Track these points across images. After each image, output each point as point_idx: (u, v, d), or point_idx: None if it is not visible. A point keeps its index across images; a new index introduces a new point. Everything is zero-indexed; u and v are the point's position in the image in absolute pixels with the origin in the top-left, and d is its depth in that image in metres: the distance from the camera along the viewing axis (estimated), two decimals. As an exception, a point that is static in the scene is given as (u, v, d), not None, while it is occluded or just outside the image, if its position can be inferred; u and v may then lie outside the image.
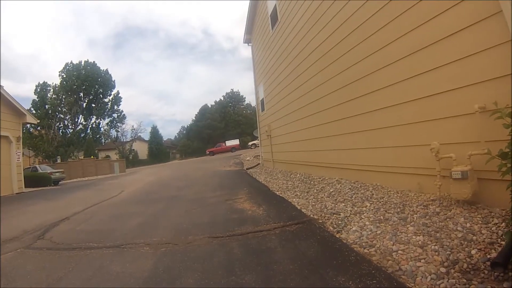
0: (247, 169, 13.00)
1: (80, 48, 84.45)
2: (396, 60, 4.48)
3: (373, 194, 4.83)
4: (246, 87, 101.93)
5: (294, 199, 5.51)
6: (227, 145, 44.11)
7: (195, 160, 36.31)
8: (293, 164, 9.45)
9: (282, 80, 9.65)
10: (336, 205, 4.66)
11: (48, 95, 44.86)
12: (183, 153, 56.61)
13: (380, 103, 4.96)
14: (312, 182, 6.91)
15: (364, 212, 4.11)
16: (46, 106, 43.55)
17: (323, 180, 6.79)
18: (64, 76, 45.58)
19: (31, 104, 43.34)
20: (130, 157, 48.15)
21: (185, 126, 64.78)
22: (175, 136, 68.96)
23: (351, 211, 4.27)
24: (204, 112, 59.99)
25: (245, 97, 65.26)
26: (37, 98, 43.83)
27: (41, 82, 44.83)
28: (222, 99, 64.34)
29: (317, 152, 7.61)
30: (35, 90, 44.28)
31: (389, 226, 3.42)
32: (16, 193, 12.54)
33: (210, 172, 13.24)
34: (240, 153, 28.29)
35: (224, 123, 58.92)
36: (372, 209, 4.14)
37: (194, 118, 61.72)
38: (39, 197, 11.10)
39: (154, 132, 55.08)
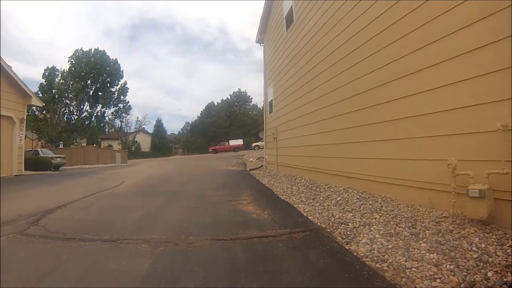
0: (250, 170, 12.80)
1: (94, 37, 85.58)
2: (415, 71, 4.33)
3: (382, 206, 4.64)
4: (255, 88, 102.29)
5: (299, 205, 5.31)
6: (230, 144, 43.82)
7: (197, 156, 36.11)
8: (297, 168, 9.26)
9: (293, 83, 9.46)
10: (344, 215, 4.46)
11: (56, 80, 44.78)
12: (186, 149, 56.49)
13: (395, 114, 4.81)
14: (317, 189, 6.71)
15: (374, 224, 3.92)
16: (53, 90, 43.41)
17: (329, 188, 6.59)
18: (73, 62, 45.43)
19: (39, 87, 43.18)
20: (133, 149, 48.03)
21: (190, 122, 64.87)
22: (179, 131, 68.97)
23: (360, 222, 4.08)
24: (210, 109, 59.75)
25: (252, 98, 65.37)
26: (45, 82, 43.71)
27: (50, 66, 44.70)
28: (229, 97, 64.12)
29: (324, 159, 7.41)
30: (43, 74, 44.14)
31: (401, 241, 3.24)
32: (15, 175, 12.40)
33: (212, 170, 13.07)
34: (243, 154, 28.12)
35: (229, 122, 58.67)
36: (382, 222, 3.96)
37: (199, 115, 61.70)
38: (38, 181, 10.96)
39: (159, 125, 55.01)
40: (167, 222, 4.45)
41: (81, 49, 46.73)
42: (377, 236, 3.50)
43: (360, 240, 3.44)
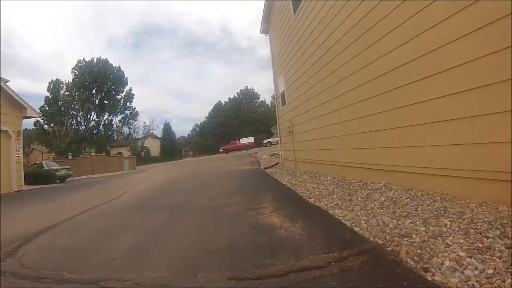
0: (265, 168, 11.71)
1: (99, 47, 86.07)
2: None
3: (446, 207, 3.48)
4: (263, 85, 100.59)
5: (336, 211, 4.21)
6: (241, 142, 42.34)
7: (208, 158, 34.75)
8: (320, 164, 8.13)
9: (308, 69, 8.32)
10: (399, 222, 3.34)
11: (61, 92, 44.59)
12: (196, 151, 55.46)
13: (459, 84, 3.59)
14: (350, 187, 5.57)
15: (447, 234, 2.82)
16: (59, 102, 43.30)
17: (365, 185, 5.44)
18: (77, 73, 45.18)
19: (44, 100, 43.27)
20: (142, 154, 47.41)
21: (199, 124, 63.44)
22: (189, 134, 67.95)
23: (426, 232, 2.96)
24: (217, 109, 58.27)
25: (259, 94, 63.79)
26: (50, 95, 43.63)
27: (54, 79, 44.53)
28: (236, 96, 62.54)
29: (353, 151, 6.26)
30: (48, 87, 44.18)
31: (500, 261, 2.20)
32: (15, 191, 11.60)
33: (225, 172, 11.97)
34: (255, 151, 26.96)
35: (238, 120, 57.05)
36: (456, 230, 2.85)
37: (207, 115, 60.34)
38: (35, 197, 10.10)
39: (167, 129, 54.16)
40: (168, 250, 3.37)
41: (83, 59, 46.50)
42: (461, 254, 2.44)
43: (442, 264, 2.37)
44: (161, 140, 53.32)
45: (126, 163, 26.10)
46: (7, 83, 12.83)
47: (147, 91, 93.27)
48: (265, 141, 41.26)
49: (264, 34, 13.99)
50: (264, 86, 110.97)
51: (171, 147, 51.37)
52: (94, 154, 34.81)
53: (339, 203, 4.63)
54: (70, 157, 32.40)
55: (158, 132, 55.72)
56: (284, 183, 7.44)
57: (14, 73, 70.45)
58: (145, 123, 53.65)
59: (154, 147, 51.25)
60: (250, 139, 42.90)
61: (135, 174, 19.68)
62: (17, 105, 12.27)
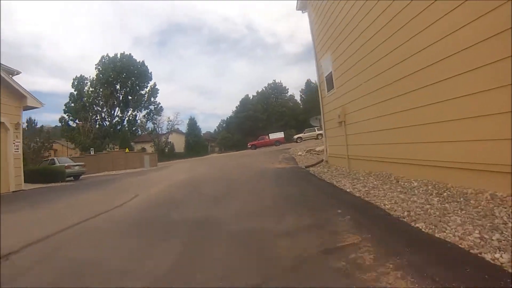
0: (306, 167, 9.52)
1: (125, 46, 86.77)
2: None
3: None
4: (289, 82, 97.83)
5: (490, 254, 2.07)
6: (270, 138, 38.95)
7: (235, 154, 32.04)
8: (389, 163, 5.89)
9: (372, 36, 6.10)
10: None
11: (85, 88, 44.09)
12: (222, 146, 52.93)
13: None
14: (470, 201, 3.38)
15: None
16: (83, 99, 42.78)
17: (504, 201, 3.21)
18: (100, 68, 44.50)
19: (69, 97, 42.88)
20: (166, 150, 45.99)
21: (225, 119, 60.96)
22: (215, 130, 65.96)
23: None
24: (245, 103, 55.19)
25: (288, 88, 60.46)
26: (75, 91, 43.21)
27: (78, 76, 44.05)
28: (264, 89, 59.40)
29: (467, 145, 3.99)
30: (72, 83, 43.64)
31: None
32: (13, 192, 10.04)
33: (257, 171, 9.81)
34: (287, 147, 24.44)
35: (266, 115, 53.77)
36: None
37: (234, 110, 57.59)
38: (29, 200, 8.40)
39: (192, 123, 51.47)
40: None
41: (107, 55, 45.79)
42: None
43: None
44: (186, 136, 50.78)
45: (146, 159, 24.32)
46: (18, 75, 11.42)
47: (172, 88, 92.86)
48: (295, 137, 38.61)
49: (301, 11, 11.81)
50: (291, 82, 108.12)
51: (196, 143, 48.64)
52: (117, 149, 33.75)
53: (484, 236, 2.45)
54: (92, 152, 31.47)
55: (184, 128, 53.74)
56: (347, 189, 5.26)
57: (42, 73, 71.77)
58: (169, 118, 51.39)
59: (179, 143, 48.92)
60: (279, 134, 39.51)
61: (155, 171, 17.94)
62: (16, 94, 10.69)
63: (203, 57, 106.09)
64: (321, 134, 38.37)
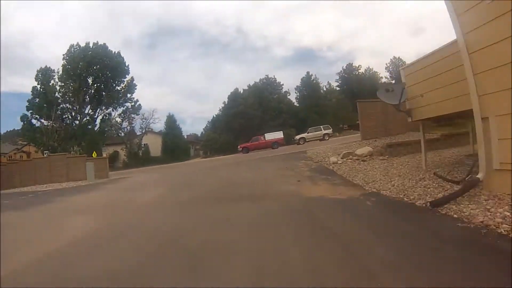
0: (432, 206, 4.06)
1: (114, 47, 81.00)
2: None
3: None
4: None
5: None
6: (266, 139, 32.03)
7: (224, 160, 24.41)
8: None
9: None
10: None
11: (52, 82, 38.15)
12: (208, 149, 45.06)
13: None
14: None
15: None
16: (47, 93, 36.83)
17: None
18: (68, 59, 38.54)
19: (31, 91, 36.86)
20: (140, 154, 39.42)
21: (211, 118, 53.16)
22: (202, 132, 58.97)
23: None
24: (235, 97, 46.74)
25: (283, 84, 52.07)
26: (38, 85, 37.22)
27: (42, 67, 38.01)
28: (257, 82, 51.19)
29: None
30: (36, 75, 37.67)
31: None
32: None
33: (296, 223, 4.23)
34: (294, 150, 18.03)
35: (261, 111, 45.28)
36: None
37: (221, 107, 49.20)
38: None
39: (170, 121, 42.99)
40: None
41: (77, 44, 39.84)
42: None
43: None
44: (163, 136, 42.42)
45: (90, 168, 17.51)
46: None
47: (160, 91, 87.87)
48: (297, 137, 32.93)
49: None
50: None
51: (176, 145, 40.42)
52: (76, 154, 27.91)
53: None
54: (45, 155, 25.77)
55: (161, 127, 45.72)
56: None
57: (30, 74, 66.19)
58: (143, 115, 43.02)
59: (155, 145, 41.07)
60: (278, 134, 32.62)
61: (88, 192, 12.30)
62: None
63: (192, 60, 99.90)
64: (328, 134, 31.25)
